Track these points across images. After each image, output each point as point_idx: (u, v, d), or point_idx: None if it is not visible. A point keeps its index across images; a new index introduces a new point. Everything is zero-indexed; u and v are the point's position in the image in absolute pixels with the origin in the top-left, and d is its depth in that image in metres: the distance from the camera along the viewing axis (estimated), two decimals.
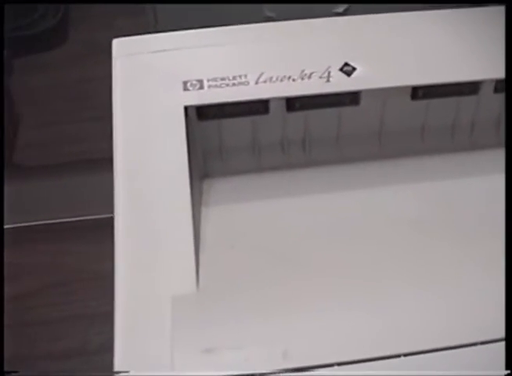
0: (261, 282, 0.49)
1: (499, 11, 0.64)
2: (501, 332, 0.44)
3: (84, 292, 0.80)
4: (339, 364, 0.43)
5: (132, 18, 0.97)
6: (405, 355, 0.44)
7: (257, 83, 0.55)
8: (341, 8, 0.85)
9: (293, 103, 0.57)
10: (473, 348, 0.44)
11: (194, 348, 0.44)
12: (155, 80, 0.56)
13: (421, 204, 0.57)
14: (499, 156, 0.63)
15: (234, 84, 0.55)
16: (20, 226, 0.80)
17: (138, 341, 0.45)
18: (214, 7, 0.82)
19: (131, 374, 0.43)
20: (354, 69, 0.56)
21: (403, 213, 0.56)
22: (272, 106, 0.57)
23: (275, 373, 0.43)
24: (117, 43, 0.58)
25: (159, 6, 0.81)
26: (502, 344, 0.43)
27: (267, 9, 0.83)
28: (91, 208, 0.82)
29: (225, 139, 0.59)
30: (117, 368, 0.44)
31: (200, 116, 0.57)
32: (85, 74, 0.93)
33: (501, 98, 0.62)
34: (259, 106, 0.57)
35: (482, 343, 0.44)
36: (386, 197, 0.58)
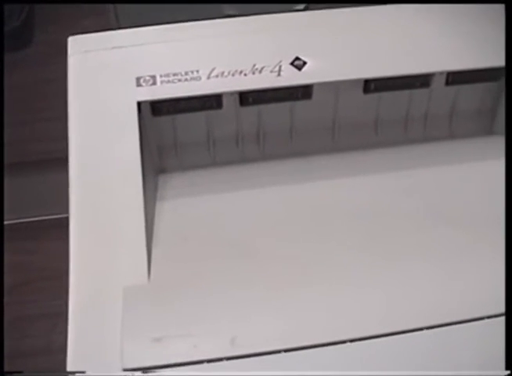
0: (212, 272, 0.49)
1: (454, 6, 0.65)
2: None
3: (48, 291, 0.80)
4: (286, 351, 0.43)
5: (98, 18, 0.97)
6: (352, 340, 0.44)
7: (209, 78, 0.55)
8: (301, 5, 0.85)
9: (246, 98, 0.58)
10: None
11: (144, 338, 0.44)
12: (109, 76, 0.56)
13: (375, 196, 0.58)
14: (452, 147, 0.64)
15: (186, 80, 0.55)
16: None
17: (90, 332, 0.46)
18: (174, 6, 0.82)
19: (87, 374, 0.44)
20: (305, 63, 0.56)
21: (357, 205, 0.57)
22: (225, 100, 0.58)
23: (223, 359, 0.43)
24: (72, 41, 0.59)
25: (119, 6, 0.82)
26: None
27: (226, 7, 0.83)
28: (55, 207, 0.82)
29: (180, 134, 0.60)
30: (70, 364, 0.45)
31: (154, 112, 0.57)
32: (50, 74, 0.93)
33: (453, 90, 0.63)
34: (212, 101, 0.58)
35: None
36: (340, 189, 0.59)
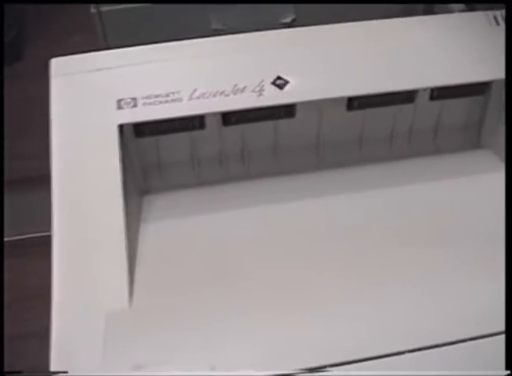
0: (194, 298, 0.49)
1: (438, 19, 0.65)
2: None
3: (44, 309, 0.80)
4: None
5: (87, 34, 0.97)
6: (332, 366, 0.44)
7: (190, 99, 0.55)
8: (289, 18, 0.85)
9: (228, 118, 0.58)
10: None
11: (125, 365, 0.44)
12: (90, 99, 0.56)
13: (361, 213, 0.58)
14: (439, 162, 0.64)
15: (167, 101, 0.55)
16: None
17: (71, 360, 0.46)
18: (162, 20, 0.82)
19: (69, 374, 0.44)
20: (286, 82, 0.56)
21: (342, 224, 0.57)
22: (208, 121, 0.57)
23: None
24: (54, 63, 0.59)
25: (107, 21, 0.82)
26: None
27: (215, 21, 0.83)
28: (43, 224, 0.82)
29: (164, 155, 0.60)
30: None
31: (136, 133, 0.57)
32: (40, 90, 0.93)
33: (437, 105, 0.63)
34: (195, 122, 0.57)
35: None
36: (325, 207, 0.58)
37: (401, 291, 0.49)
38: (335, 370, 0.44)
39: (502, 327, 0.45)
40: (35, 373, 0.69)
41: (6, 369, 0.74)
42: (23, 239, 0.81)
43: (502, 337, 0.44)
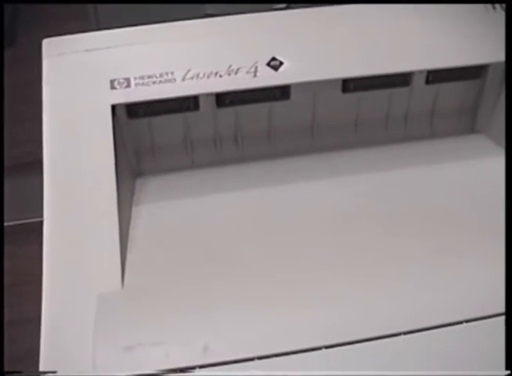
0: (186, 278, 0.49)
1: (434, 5, 0.64)
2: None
3: (34, 295, 0.79)
4: (259, 358, 0.43)
5: (81, 21, 0.97)
6: (327, 347, 0.44)
7: (183, 80, 0.55)
8: (282, 4, 0.85)
9: (223, 99, 0.57)
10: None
11: (116, 346, 0.44)
12: (83, 79, 0.56)
13: (355, 197, 0.57)
14: (435, 146, 0.64)
15: (161, 82, 0.55)
16: None
17: (63, 339, 0.45)
18: (155, 6, 0.82)
19: (58, 374, 0.43)
20: (281, 63, 0.56)
21: (337, 207, 0.56)
22: (201, 102, 0.57)
23: (195, 367, 0.43)
24: (46, 43, 0.58)
25: (100, 7, 0.81)
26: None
27: (208, 7, 0.83)
28: (40, 210, 0.81)
29: (157, 136, 0.59)
30: (42, 368, 0.44)
31: (129, 114, 0.57)
32: (32, 76, 0.92)
33: (433, 89, 0.62)
34: (189, 103, 0.57)
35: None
36: (320, 190, 0.58)
37: (397, 274, 0.48)
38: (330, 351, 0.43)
39: (499, 309, 0.44)
40: (35, 373, 0.69)
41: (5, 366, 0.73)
42: (19, 224, 0.80)
43: (499, 319, 0.44)
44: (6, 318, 0.77)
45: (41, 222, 0.74)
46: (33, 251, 0.76)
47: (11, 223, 0.82)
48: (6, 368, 0.73)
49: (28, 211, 0.81)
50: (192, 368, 0.43)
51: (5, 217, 0.77)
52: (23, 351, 0.75)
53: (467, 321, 0.44)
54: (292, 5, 0.82)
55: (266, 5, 0.82)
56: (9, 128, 0.87)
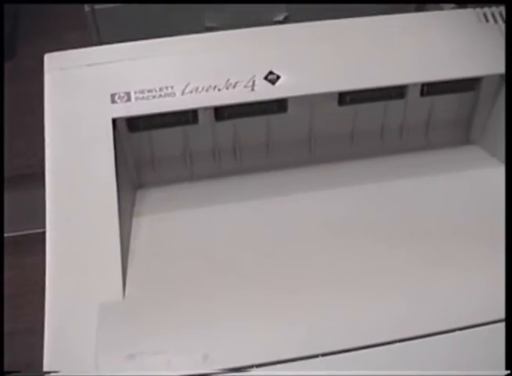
0: (186, 289, 0.49)
1: (428, 16, 0.65)
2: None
3: (37, 306, 0.80)
4: (257, 366, 0.44)
5: (81, 32, 0.97)
6: (323, 355, 0.45)
7: (183, 94, 0.56)
8: (281, 16, 0.86)
9: (221, 113, 0.58)
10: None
11: (118, 354, 0.45)
12: (84, 93, 0.56)
13: (352, 208, 0.58)
14: (430, 157, 0.65)
15: (161, 96, 0.56)
16: None
17: (66, 350, 0.46)
18: (155, 18, 0.83)
19: (59, 374, 0.44)
20: (278, 77, 0.57)
21: (335, 218, 0.57)
22: (200, 115, 0.58)
23: (196, 375, 0.44)
24: (48, 58, 0.59)
25: (100, 20, 0.82)
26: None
27: (208, 19, 0.84)
28: (41, 221, 0.82)
29: (157, 149, 0.60)
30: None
31: (130, 128, 0.58)
32: (34, 88, 0.93)
33: (428, 101, 0.63)
34: (188, 116, 0.58)
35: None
36: (318, 201, 0.59)
37: (394, 282, 0.49)
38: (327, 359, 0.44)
39: (498, 315, 0.45)
40: (35, 372, 0.69)
41: (5, 368, 0.74)
42: (23, 235, 0.80)
43: (499, 325, 0.45)
44: (9, 328, 0.77)
45: (43, 234, 0.75)
46: (37, 261, 0.77)
47: (15, 234, 0.83)
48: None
49: (33, 222, 0.82)
50: None
51: (9, 228, 0.78)
52: (23, 363, 0.75)
53: (463, 329, 0.45)
54: (291, 16, 0.83)
55: (266, 17, 0.83)
56: (10, 140, 0.88)
